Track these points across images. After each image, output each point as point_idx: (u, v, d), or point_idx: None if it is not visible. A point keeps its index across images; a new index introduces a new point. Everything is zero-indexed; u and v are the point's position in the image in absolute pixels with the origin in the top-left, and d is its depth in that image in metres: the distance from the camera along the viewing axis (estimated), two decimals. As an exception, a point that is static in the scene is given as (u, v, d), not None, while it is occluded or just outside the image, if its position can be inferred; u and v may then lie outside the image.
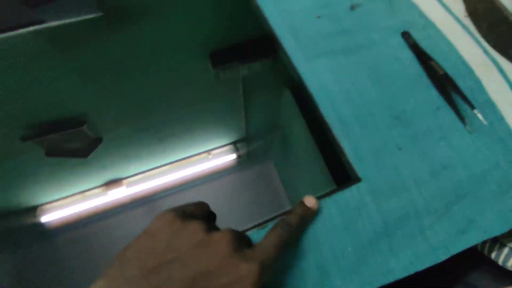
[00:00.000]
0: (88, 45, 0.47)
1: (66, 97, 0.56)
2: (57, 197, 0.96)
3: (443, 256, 0.22)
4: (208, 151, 1.13)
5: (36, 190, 0.86)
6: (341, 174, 0.29)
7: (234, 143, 1.12)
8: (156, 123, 0.77)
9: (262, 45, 0.61)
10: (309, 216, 0.23)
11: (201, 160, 1.14)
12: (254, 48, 0.61)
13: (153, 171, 1.07)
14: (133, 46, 0.51)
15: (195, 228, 0.17)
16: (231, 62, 0.62)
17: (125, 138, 0.76)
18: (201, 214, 0.21)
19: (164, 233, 0.17)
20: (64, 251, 1.09)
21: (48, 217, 0.98)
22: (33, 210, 0.95)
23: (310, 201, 0.22)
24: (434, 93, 0.29)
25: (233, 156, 1.15)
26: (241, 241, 0.18)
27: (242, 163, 1.17)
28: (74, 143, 0.74)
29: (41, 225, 0.98)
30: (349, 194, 0.25)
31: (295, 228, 0.20)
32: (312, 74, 0.30)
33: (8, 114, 0.53)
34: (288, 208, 0.24)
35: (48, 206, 0.95)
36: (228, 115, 0.88)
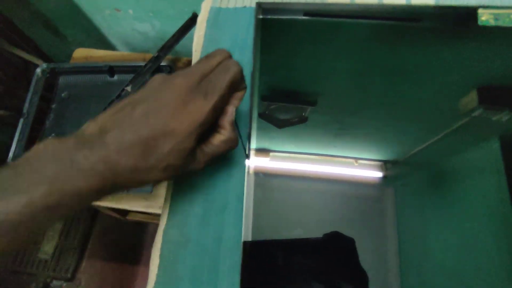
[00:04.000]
0: (401, 46, 0.50)
1: (325, 78, 0.61)
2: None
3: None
4: (357, 159, 0.84)
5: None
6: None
7: (385, 161, 0.80)
8: (354, 122, 0.70)
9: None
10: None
11: (346, 164, 0.88)
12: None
13: (299, 155, 0.85)
14: (432, 59, 0.62)
15: (159, 76, 0.19)
16: (500, 104, 0.57)
17: (317, 124, 0.71)
18: None
19: (148, 87, 0.19)
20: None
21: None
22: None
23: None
24: None
25: (379, 174, 0.86)
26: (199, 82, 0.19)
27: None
28: (286, 115, 0.85)
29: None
30: None
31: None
32: None
33: (266, 76, 0.66)
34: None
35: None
36: (415, 138, 0.69)
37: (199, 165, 0.19)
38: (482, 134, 0.76)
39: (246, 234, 0.19)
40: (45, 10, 0.54)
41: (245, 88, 0.21)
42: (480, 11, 0.24)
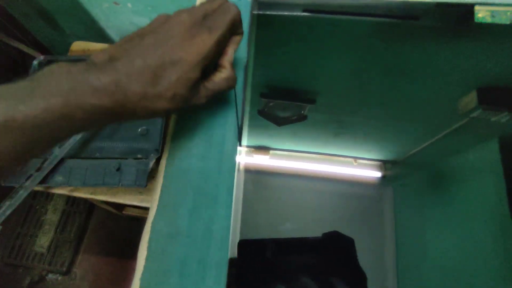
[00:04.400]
0: (401, 45, 0.48)
1: (325, 76, 0.63)
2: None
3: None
4: (356, 158, 1.10)
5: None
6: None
7: (384, 161, 1.07)
8: (354, 121, 0.75)
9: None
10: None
11: (345, 163, 1.12)
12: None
13: (298, 154, 1.12)
14: (431, 58, 0.52)
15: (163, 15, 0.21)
16: (500, 106, 0.57)
17: (316, 122, 0.71)
18: None
19: (154, 22, 0.20)
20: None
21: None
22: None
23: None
24: None
25: (378, 174, 1.10)
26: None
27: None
28: (285, 113, 0.85)
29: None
30: None
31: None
32: None
33: (265, 73, 0.61)
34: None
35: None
36: (414, 138, 0.83)
37: (201, 100, 0.21)
38: (481, 135, 0.76)
39: (235, 228, 0.19)
40: (44, 3, 0.54)
41: (242, 33, 0.23)
42: (477, 8, 0.24)
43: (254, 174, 1.26)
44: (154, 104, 0.19)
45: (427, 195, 1.04)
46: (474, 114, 0.67)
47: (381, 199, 1.30)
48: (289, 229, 1.18)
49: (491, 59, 0.49)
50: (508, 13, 0.23)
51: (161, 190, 0.21)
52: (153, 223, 0.19)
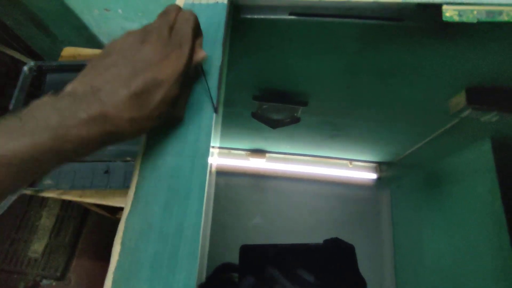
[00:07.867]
0: (390, 46, 0.50)
1: (315, 78, 0.64)
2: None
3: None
4: (351, 160, 1.04)
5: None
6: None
7: (379, 163, 1.03)
8: (347, 123, 0.78)
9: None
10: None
11: (340, 165, 1.03)
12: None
13: (294, 156, 1.02)
14: (420, 59, 0.54)
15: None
16: (489, 105, 0.58)
17: (310, 124, 0.72)
18: None
19: (124, 47, 0.20)
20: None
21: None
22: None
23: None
24: None
25: (373, 175, 1.05)
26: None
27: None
28: (278, 115, 0.85)
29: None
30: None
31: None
32: None
33: (255, 75, 0.61)
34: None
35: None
36: (408, 139, 0.81)
37: (182, 110, 0.23)
38: (474, 135, 0.76)
39: (206, 223, 0.19)
40: (36, 9, 0.55)
41: (201, 34, 0.24)
42: (444, 7, 0.25)
43: (250, 177, 1.26)
44: (142, 125, 0.19)
45: (423, 196, 1.04)
46: (464, 114, 0.68)
47: (377, 201, 1.30)
48: (286, 232, 1.18)
49: (477, 59, 0.49)
50: (475, 12, 0.24)
51: (136, 187, 0.21)
52: (127, 219, 0.20)
